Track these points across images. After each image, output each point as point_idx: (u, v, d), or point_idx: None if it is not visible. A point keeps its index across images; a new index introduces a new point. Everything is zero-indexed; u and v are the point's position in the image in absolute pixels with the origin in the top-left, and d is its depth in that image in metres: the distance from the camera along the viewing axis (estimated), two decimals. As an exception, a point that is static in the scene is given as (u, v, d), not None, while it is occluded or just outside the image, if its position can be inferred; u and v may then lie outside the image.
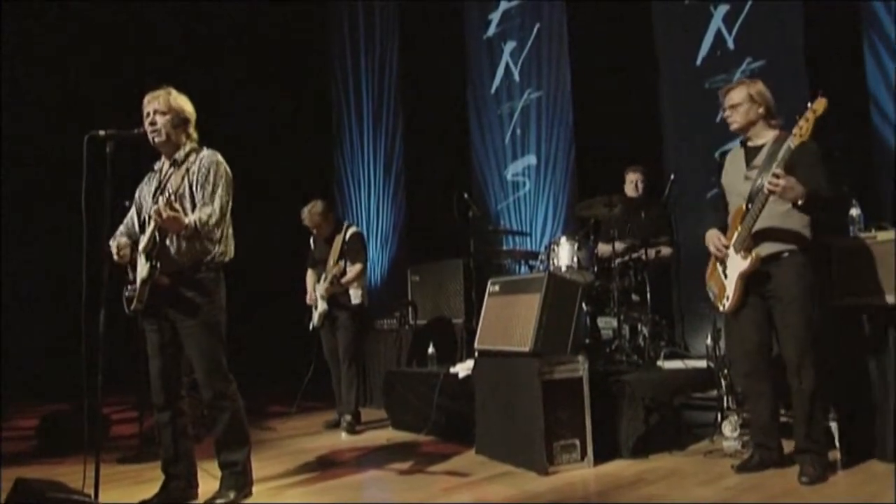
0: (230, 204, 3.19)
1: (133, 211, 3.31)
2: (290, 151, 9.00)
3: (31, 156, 7.82)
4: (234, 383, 3.22)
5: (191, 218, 3.01)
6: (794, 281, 3.15)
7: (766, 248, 3.19)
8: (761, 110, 3.28)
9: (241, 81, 9.03)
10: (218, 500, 3.12)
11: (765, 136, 3.30)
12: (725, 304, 3.32)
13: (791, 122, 3.08)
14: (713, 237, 3.35)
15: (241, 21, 9.05)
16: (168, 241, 3.08)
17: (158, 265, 3.04)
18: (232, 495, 3.14)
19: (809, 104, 2.99)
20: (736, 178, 3.35)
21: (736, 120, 3.32)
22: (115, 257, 3.10)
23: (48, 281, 7.71)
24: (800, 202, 3.08)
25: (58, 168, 6.63)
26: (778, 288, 3.18)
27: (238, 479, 3.19)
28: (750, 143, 3.35)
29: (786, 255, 3.18)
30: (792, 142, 3.00)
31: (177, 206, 2.96)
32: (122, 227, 3.27)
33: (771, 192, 3.03)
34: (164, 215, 2.88)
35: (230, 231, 3.25)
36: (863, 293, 3.39)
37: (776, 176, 2.98)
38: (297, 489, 3.51)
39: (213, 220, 3.06)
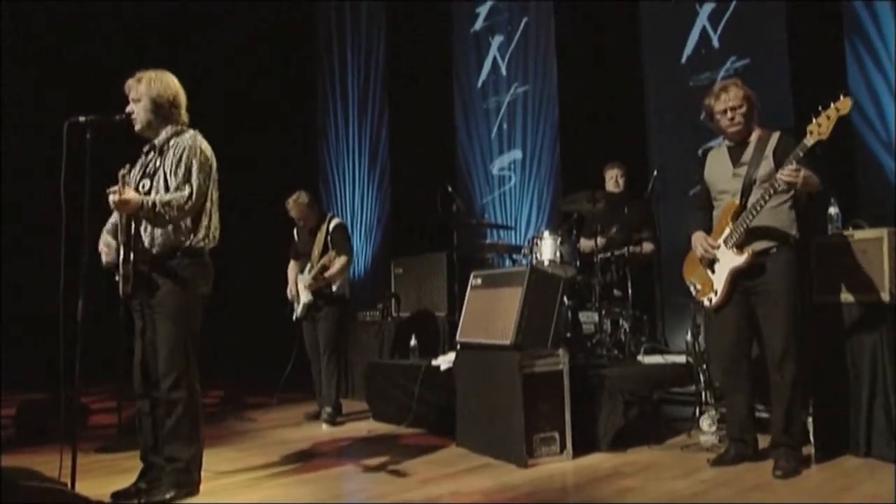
0: (210, 188, 3.14)
1: None
2: (275, 143, 8.95)
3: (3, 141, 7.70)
4: (195, 377, 3.08)
5: (148, 198, 2.96)
6: (783, 276, 3.18)
7: (757, 245, 3.21)
8: (755, 112, 3.30)
9: (227, 72, 8.95)
10: (155, 499, 2.99)
11: (749, 135, 3.32)
12: (712, 299, 3.32)
13: (777, 119, 3.08)
14: (700, 240, 3.34)
15: (226, 12, 8.96)
16: (141, 229, 3.06)
17: (132, 255, 3.02)
18: (170, 494, 2.99)
19: (832, 102, 2.93)
20: (722, 176, 3.36)
21: (740, 122, 3.28)
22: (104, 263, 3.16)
23: (25, 269, 7.60)
24: (813, 193, 3.10)
25: (35, 152, 6.54)
26: (766, 283, 3.20)
27: (180, 477, 3.04)
28: (734, 142, 3.35)
29: (774, 251, 3.20)
30: (809, 139, 2.98)
31: (123, 188, 2.93)
32: (111, 218, 3.21)
33: (788, 184, 3.02)
34: (113, 199, 2.90)
35: (215, 217, 3.19)
36: (846, 290, 3.42)
37: (794, 169, 2.97)
38: (276, 480, 3.51)
39: (189, 204, 3.01)
